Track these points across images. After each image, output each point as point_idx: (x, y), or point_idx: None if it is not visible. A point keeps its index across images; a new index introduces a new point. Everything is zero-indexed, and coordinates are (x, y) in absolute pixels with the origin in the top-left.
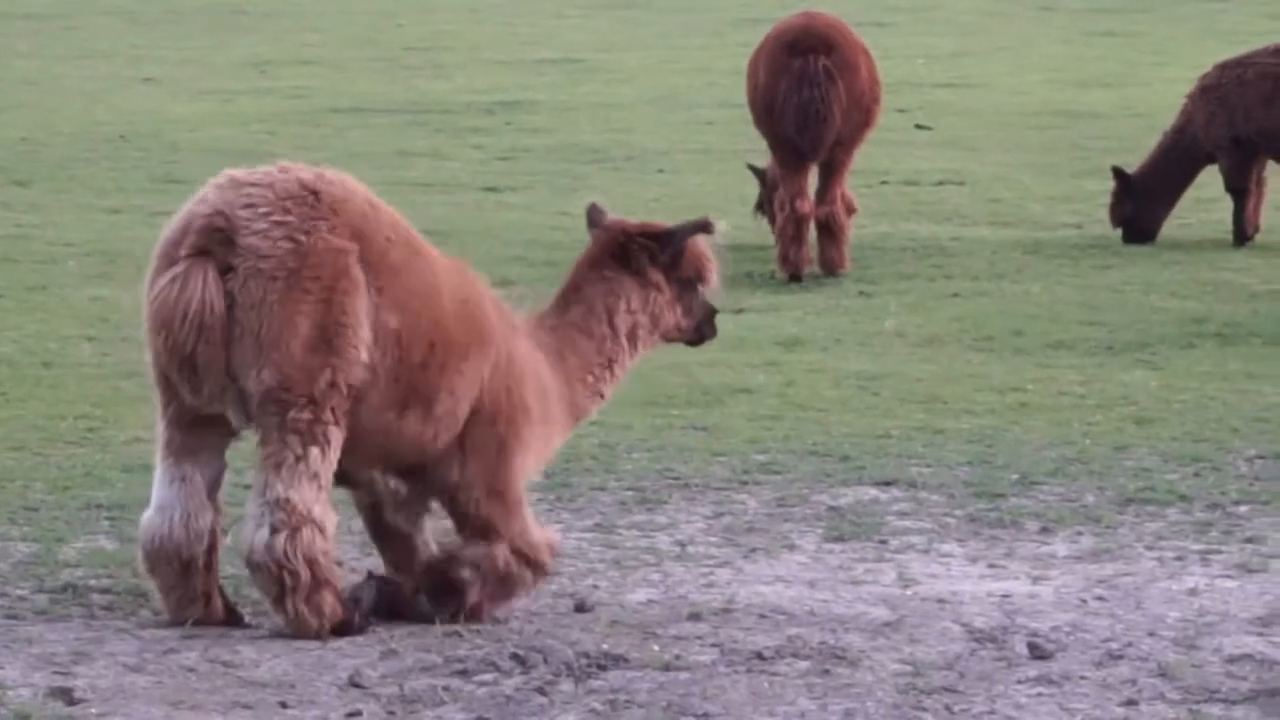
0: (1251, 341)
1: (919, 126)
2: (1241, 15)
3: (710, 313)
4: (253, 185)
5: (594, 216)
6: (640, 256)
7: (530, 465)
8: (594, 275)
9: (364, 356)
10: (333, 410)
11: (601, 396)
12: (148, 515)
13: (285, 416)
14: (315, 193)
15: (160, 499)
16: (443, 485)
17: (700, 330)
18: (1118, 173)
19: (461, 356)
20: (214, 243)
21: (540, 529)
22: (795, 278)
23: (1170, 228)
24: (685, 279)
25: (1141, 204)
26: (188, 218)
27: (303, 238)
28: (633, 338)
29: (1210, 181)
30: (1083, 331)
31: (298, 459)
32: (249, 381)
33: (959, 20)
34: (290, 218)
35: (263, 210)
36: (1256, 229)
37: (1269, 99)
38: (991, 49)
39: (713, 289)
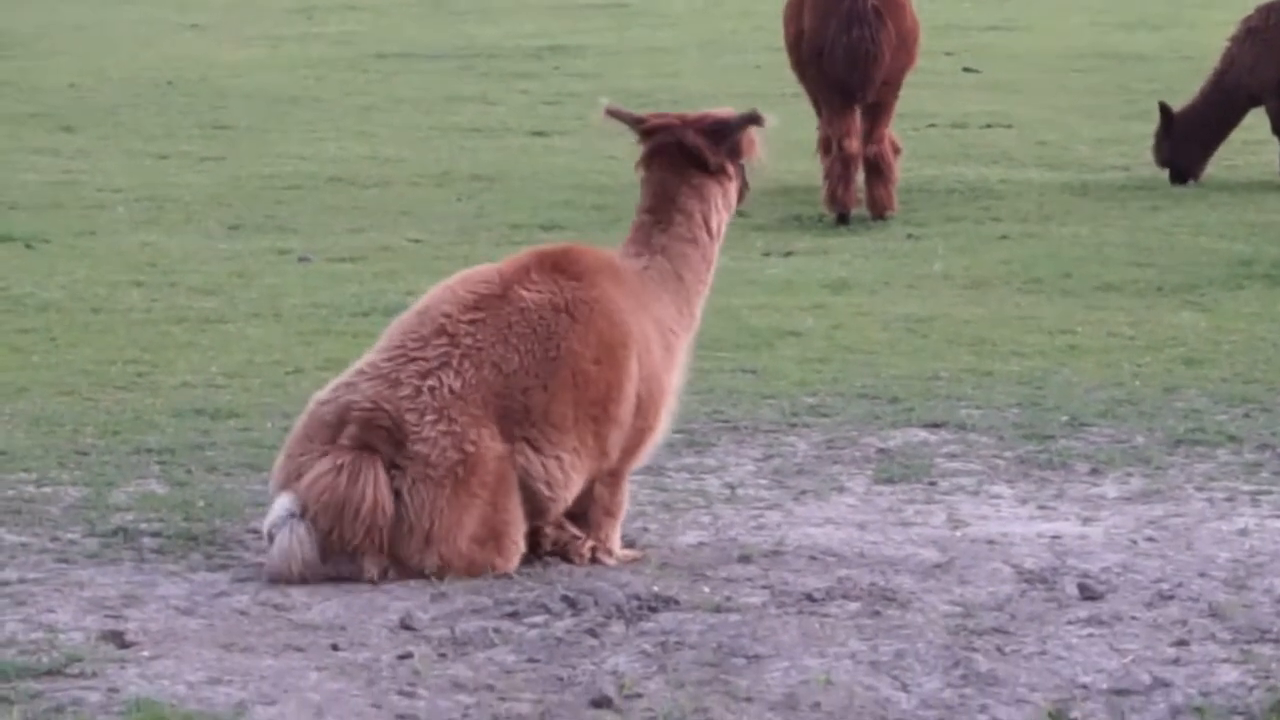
0: None
1: (966, 70)
2: None
3: (746, 178)
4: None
5: (625, 117)
6: (718, 156)
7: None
8: (681, 183)
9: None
10: None
11: (705, 296)
12: None
13: None
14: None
15: None
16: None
17: (742, 194)
18: (1163, 108)
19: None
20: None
21: (620, 543)
22: (843, 218)
23: (1218, 169)
24: (740, 162)
25: (1180, 145)
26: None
27: (470, 448)
28: (721, 232)
29: (1257, 124)
30: (1131, 273)
31: None
32: (412, 562)
33: None
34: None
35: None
36: None
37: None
38: None
39: (758, 164)
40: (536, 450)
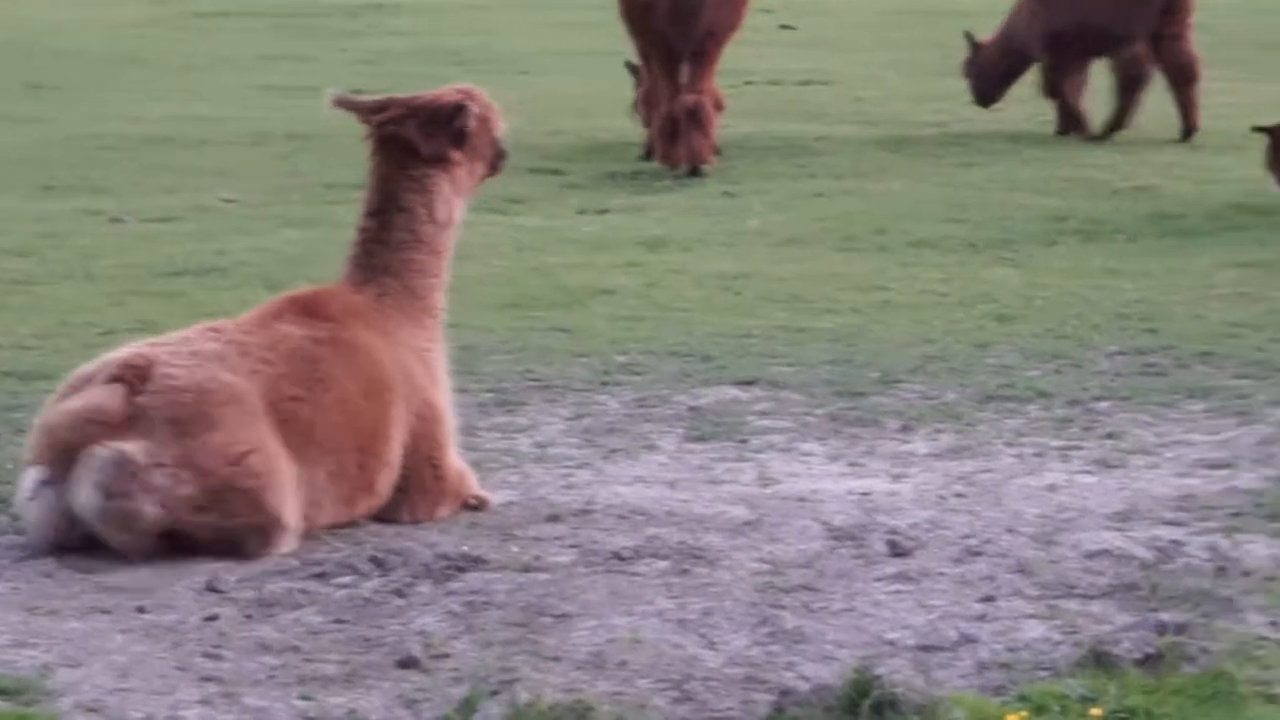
0: (1113, 238)
1: (783, 26)
2: None
3: (500, 148)
4: None
5: (353, 106)
6: (433, 145)
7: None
8: (401, 176)
9: None
10: None
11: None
12: None
13: None
14: None
15: None
16: None
17: (496, 165)
18: (970, 40)
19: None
20: None
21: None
22: (695, 172)
23: (1032, 124)
24: (473, 141)
25: (979, 76)
26: None
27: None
28: (454, 218)
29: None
30: (945, 229)
31: None
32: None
33: None
34: None
35: None
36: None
37: None
38: None
39: (502, 133)
40: (296, 460)
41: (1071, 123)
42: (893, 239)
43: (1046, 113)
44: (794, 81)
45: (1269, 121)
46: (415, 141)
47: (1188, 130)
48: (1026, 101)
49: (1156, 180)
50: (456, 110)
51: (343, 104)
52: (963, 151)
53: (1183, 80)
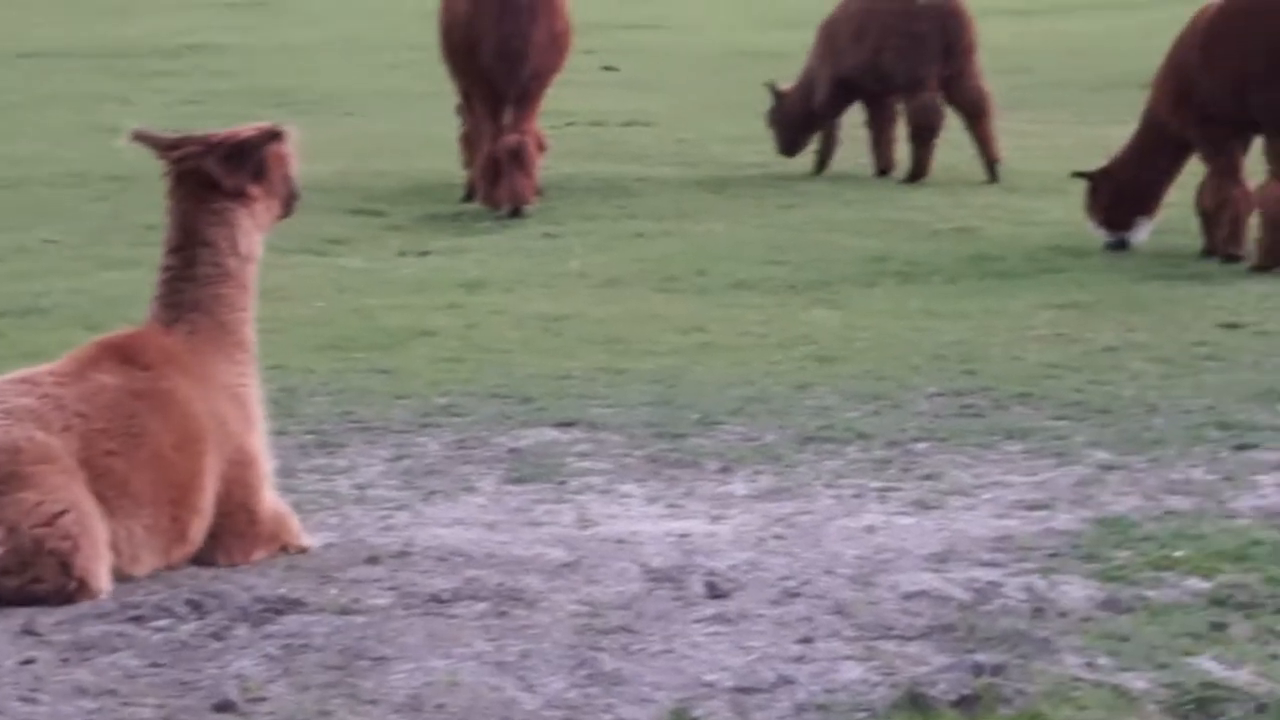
0: (931, 279)
1: (606, 68)
2: None
3: (294, 188)
4: None
5: (151, 141)
6: (235, 179)
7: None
8: (203, 211)
9: None
10: None
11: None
12: None
13: None
14: None
15: None
16: None
17: (289, 205)
18: (771, 89)
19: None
20: None
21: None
22: (517, 213)
23: (851, 167)
24: (271, 177)
25: (783, 129)
26: None
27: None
28: (254, 252)
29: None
30: (765, 271)
31: None
32: None
33: None
34: None
35: None
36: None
37: (859, 35)
38: None
39: (296, 173)
40: (111, 515)
41: (826, 155)
42: (713, 280)
43: (864, 156)
44: (616, 123)
45: (1091, 165)
46: (216, 175)
47: (990, 164)
48: (845, 144)
49: (975, 222)
50: (255, 143)
51: (141, 139)
52: (783, 193)
53: (974, 115)
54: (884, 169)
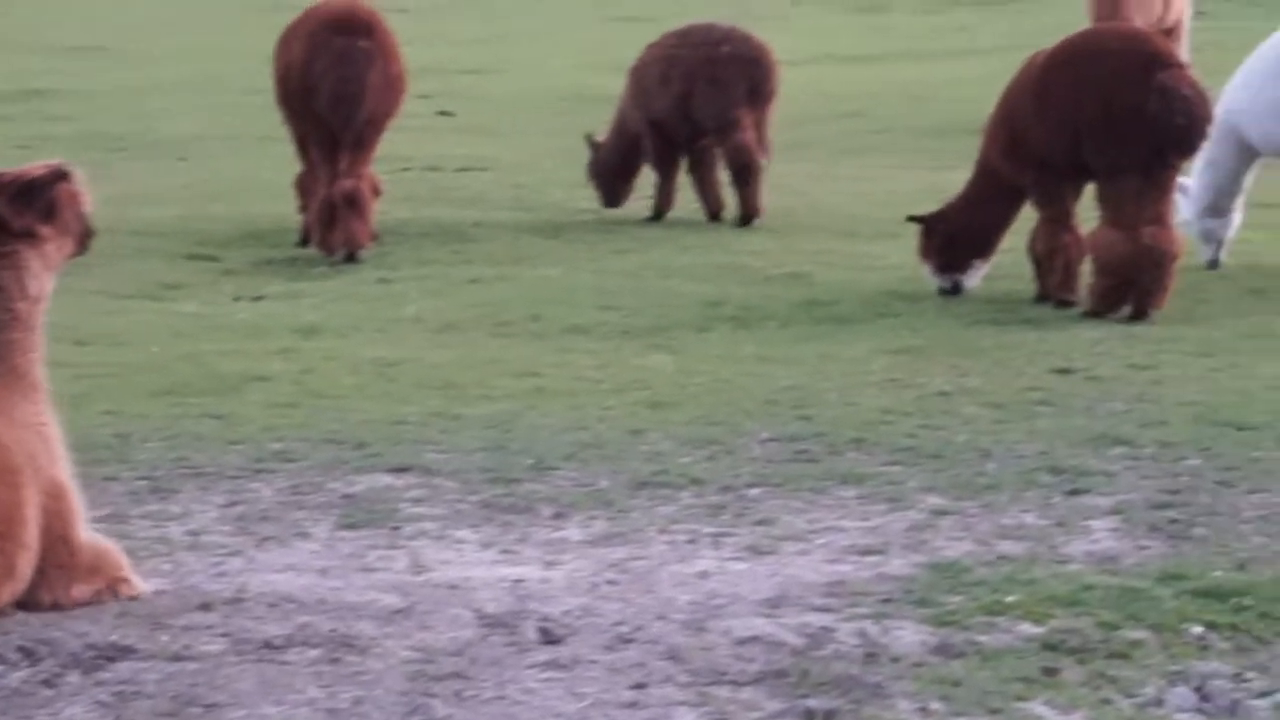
0: (765, 325)
1: (442, 113)
2: (759, 2)
3: (88, 226)
4: None
5: None
6: (23, 219)
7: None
8: None
9: None
10: None
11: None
12: None
13: None
14: None
15: None
16: None
17: (84, 243)
18: (589, 141)
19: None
20: None
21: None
22: (352, 258)
23: (687, 212)
24: (63, 216)
25: (601, 180)
26: None
27: None
28: (44, 293)
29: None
30: (600, 316)
31: None
32: None
33: (483, 5)
34: None
35: None
36: (718, 209)
37: (665, 79)
38: (516, 34)
39: (90, 211)
40: None
41: (665, 204)
42: (548, 325)
43: (695, 201)
44: (452, 168)
45: (926, 210)
46: (4, 216)
47: (746, 218)
48: (681, 189)
49: (810, 267)
50: (44, 183)
51: None
52: (619, 238)
53: (745, 178)
54: (714, 212)
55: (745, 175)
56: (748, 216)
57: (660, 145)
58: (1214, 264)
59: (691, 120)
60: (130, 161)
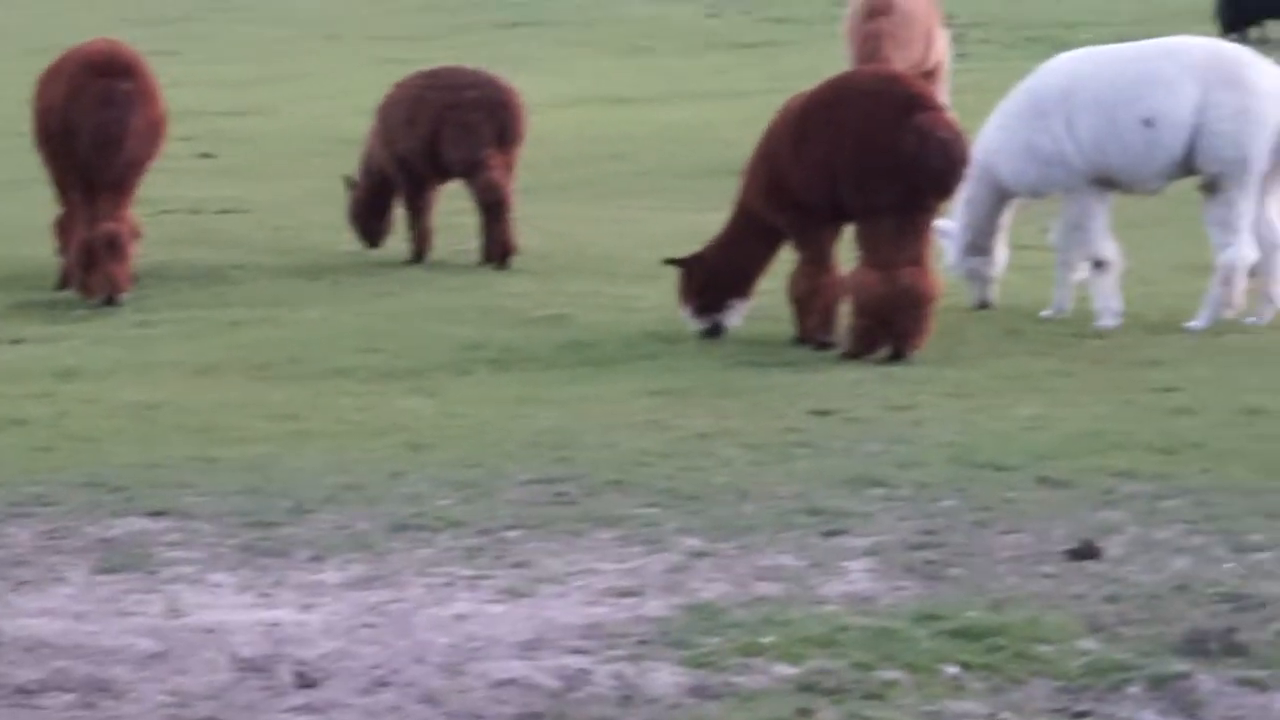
0: (526, 366)
1: (203, 155)
2: (527, 44)
3: None
4: None
5: None
6: None
7: None
8: None
9: None
10: None
11: None
12: None
13: None
14: None
15: None
16: None
17: None
18: (347, 183)
19: None
20: None
21: None
22: (111, 301)
23: (449, 254)
24: None
25: (358, 221)
26: None
27: None
28: None
29: (468, 208)
30: (361, 359)
31: None
32: None
33: (244, 48)
34: None
35: None
36: (422, 251)
37: (411, 120)
38: (278, 77)
39: None
40: None
41: (422, 244)
42: (308, 368)
43: (462, 243)
44: (213, 210)
45: (685, 252)
46: None
47: (502, 255)
48: (442, 230)
49: (571, 309)
50: None
51: None
52: (381, 280)
53: (496, 214)
54: (421, 253)
55: (496, 211)
56: (504, 253)
57: (409, 184)
58: (984, 304)
59: (438, 163)
60: None
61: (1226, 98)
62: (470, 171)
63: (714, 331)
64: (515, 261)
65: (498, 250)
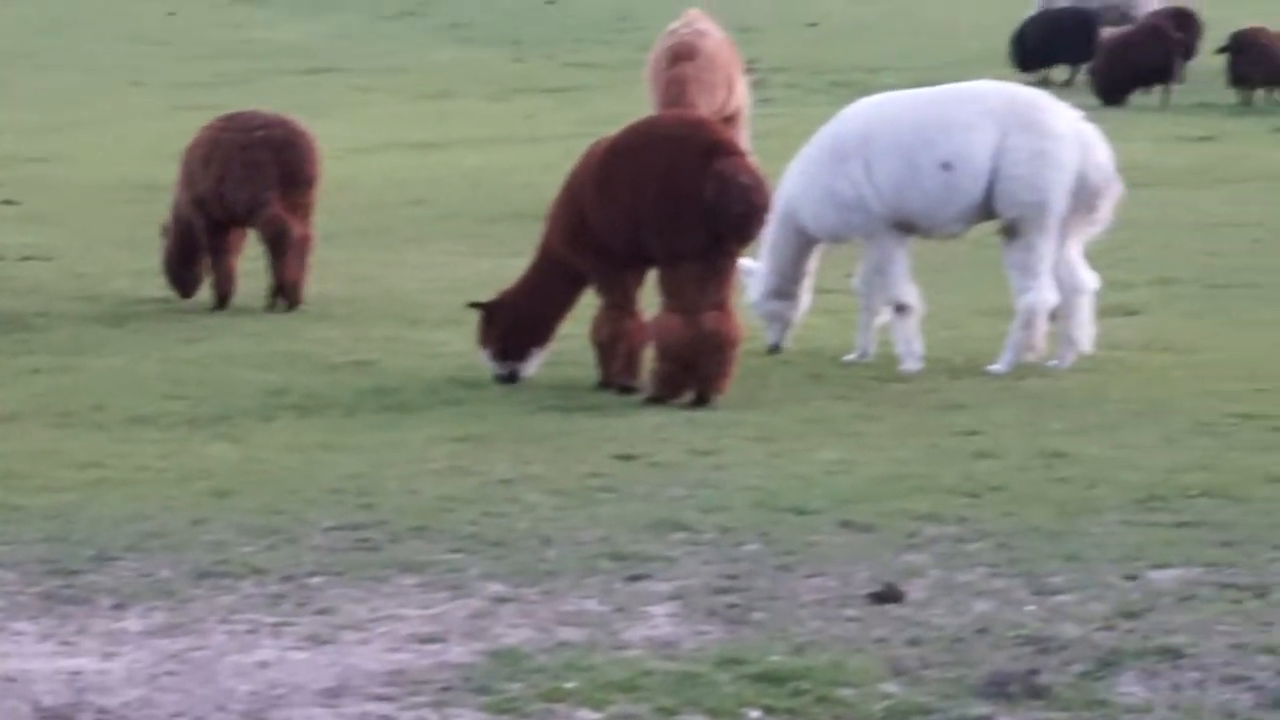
0: (329, 413)
1: (6, 202)
2: (331, 91)
3: None
4: None
5: None
6: None
7: None
8: None
9: None
10: None
11: None
12: None
13: None
14: None
15: None
16: None
17: None
18: (163, 229)
19: None
20: None
21: None
22: None
23: (253, 300)
24: None
25: (170, 270)
26: None
27: None
28: None
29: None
30: (165, 405)
31: None
32: None
33: (47, 95)
34: None
35: None
36: (226, 296)
37: (207, 162)
38: (81, 124)
39: None
40: None
41: (224, 288)
42: (111, 415)
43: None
44: (14, 257)
45: (487, 296)
46: None
47: (285, 292)
48: (247, 275)
49: (375, 355)
50: None
51: None
52: (185, 327)
53: (280, 249)
54: (224, 297)
55: (281, 244)
56: (295, 290)
57: (208, 227)
58: (775, 348)
59: (225, 205)
60: None
61: (1023, 141)
62: (253, 211)
63: (510, 378)
64: (316, 308)
65: (279, 287)
